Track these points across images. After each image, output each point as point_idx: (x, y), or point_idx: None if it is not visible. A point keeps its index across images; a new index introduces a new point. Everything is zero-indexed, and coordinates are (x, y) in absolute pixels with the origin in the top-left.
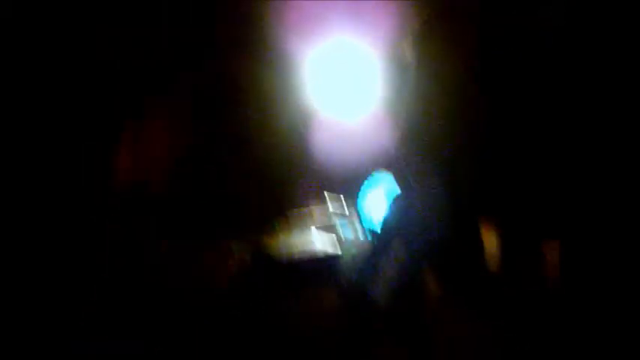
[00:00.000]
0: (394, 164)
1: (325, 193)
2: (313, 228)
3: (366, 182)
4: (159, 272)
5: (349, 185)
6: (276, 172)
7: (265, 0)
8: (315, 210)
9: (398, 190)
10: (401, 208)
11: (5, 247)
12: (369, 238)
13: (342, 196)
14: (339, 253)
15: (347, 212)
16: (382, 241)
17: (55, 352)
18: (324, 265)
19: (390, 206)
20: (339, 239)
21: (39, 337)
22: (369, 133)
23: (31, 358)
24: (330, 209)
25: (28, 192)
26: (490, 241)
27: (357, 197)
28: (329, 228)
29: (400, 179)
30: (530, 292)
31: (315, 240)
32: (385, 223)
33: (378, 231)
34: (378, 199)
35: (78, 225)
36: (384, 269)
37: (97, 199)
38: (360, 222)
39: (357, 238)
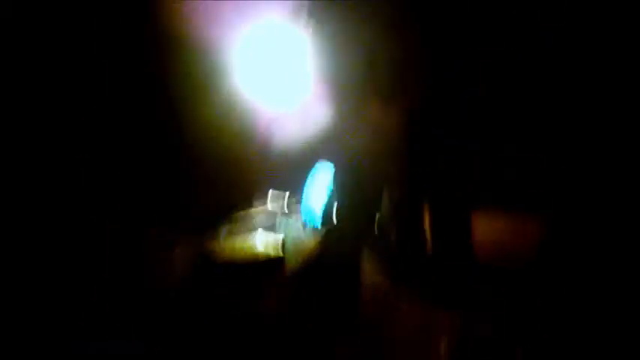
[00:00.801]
0: (334, 154)
1: (269, 191)
2: (256, 227)
3: (307, 175)
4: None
5: (291, 180)
6: (217, 172)
7: None
8: (258, 209)
9: (337, 181)
10: (340, 198)
11: (6, 248)
12: (312, 233)
13: (284, 192)
14: (282, 251)
15: (290, 209)
16: (324, 233)
17: (55, 352)
18: (267, 265)
19: (330, 197)
20: (282, 237)
21: (39, 337)
22: (306, 124)
23: (31, 358)
24: (273, 207)
25: (29, 193)
26: (431, 227)
27: (300, 192)
28: (272, 227)
29: (339, 169)
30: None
31: (259, 240)
32: (325, 216)
33: (319, 225)
34: (320, 192)
35: (78, 225)
36: (327, 263)
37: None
38: (303, 217)
39: (299, 234)
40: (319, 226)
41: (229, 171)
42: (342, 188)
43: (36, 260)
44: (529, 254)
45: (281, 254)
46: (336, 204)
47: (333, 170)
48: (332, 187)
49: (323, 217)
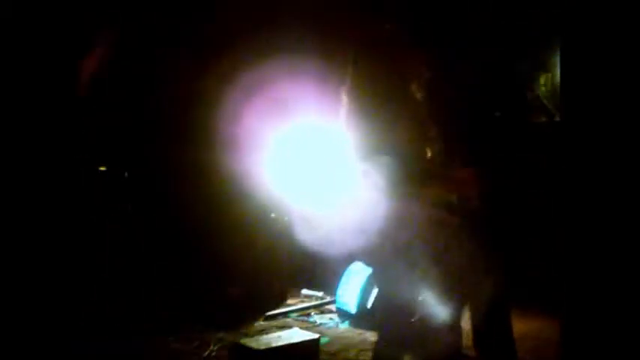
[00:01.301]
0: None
1: (302, 288)
2: (292, 322)
3: (343, 273)
4: None
5: (327, 277)
6: (253, 270)
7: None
8: (294, 304)
9: (372, 280)
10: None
11: (6, 248)
12: (347, 327)
13: (319, 288)
14: (319, 345)
15: (325, 304)
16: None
17: (55, 352)
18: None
19: (364, 289)
20: (319, 331)
21: (39, 337)
22: (344, 222)
23: (31, 358)
24: (308, 302)
25: (29, 193)
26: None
27: (335, 288)
28: (308, 321)
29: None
30: None
31: (295, 334)
32: (361, 313)
33: (354, 312)
34: (355, 288)
35: (78, 225)
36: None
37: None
38: (339, 312)
39: (334, 331)
40: (354, 313)
41: (264, 269)
42: (380, 284)
43: (36, 260)
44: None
45: (317, 352)
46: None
47: (368, 271)
48: (368, 284)
49: (358, 306)
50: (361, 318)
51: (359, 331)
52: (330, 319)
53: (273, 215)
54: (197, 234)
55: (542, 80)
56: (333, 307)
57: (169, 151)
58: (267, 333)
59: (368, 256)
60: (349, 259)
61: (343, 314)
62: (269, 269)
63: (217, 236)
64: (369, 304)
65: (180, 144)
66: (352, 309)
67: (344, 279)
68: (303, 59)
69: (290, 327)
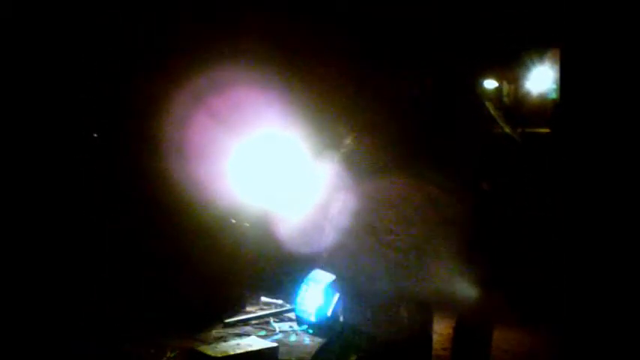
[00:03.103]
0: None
1: (262, 295)
2: (251, 330)
3: (303, 280)
4: None
5: (287, 284)
6: (212, 274)
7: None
8: (253, 311)
9: (333, 288)
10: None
11: (6, 248)
12: (307, 338)
13: (277, 298)
14: (277, 353)
15: (285, 311)
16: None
17: (55, 352)
18: None
19: (325, 302)
20: (277, 340)
21: (39, 337)
22: (306, 230)
23: (31, 358)
24: (268, 310)
25: (29, 193)
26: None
27: (295, 296)
28: (267, 329)
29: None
30: None
31: (253, 342)
32: (321, 321)
33: (313, 325)
34: (315, 297)
35: (78, 225)
36: None
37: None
38: (298, 320)
39: (294, 339)
40: (313, 322)
41: (223, 276)
42: (344, 293)
43: (36, 260)
44: None
45: (277, 353)
46: (333, 307)
47: (330, 277)
48: (328, 293)
49: (317, 320)
50: (321, 326)
51: (318, 339)
52: (290, 327)
53: (233, 221)
54: (158, 240)
55: (504, 91)
56: (292, 314)
57: (131, 159)
58: (225, 340)
59: (341, 249)
60: (309, 267)
61: (302, 322)
62: (229, 275)
63: (178, 242)
64: (329, 312)
65: (141, 152)
66: (312, 317)
67: (303, 287)
68: (262, 67)
69: (248, 335)
